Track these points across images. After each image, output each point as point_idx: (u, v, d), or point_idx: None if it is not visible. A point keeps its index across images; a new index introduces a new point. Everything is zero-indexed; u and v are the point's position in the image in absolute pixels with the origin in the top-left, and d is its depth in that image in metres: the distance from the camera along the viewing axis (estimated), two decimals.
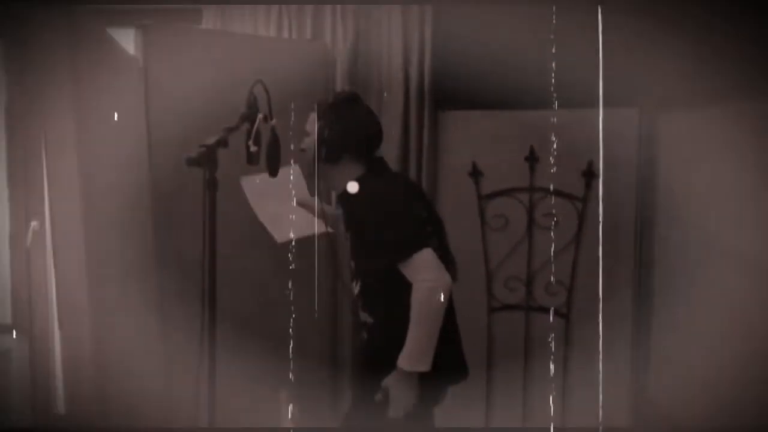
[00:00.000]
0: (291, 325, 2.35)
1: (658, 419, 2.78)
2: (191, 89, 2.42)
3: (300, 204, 2.15)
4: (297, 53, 2.74)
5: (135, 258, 2.39)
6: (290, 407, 2.66)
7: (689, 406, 2.63)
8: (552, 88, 2.44)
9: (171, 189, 2.41)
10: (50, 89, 2.18)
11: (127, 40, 2.46)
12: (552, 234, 2.85)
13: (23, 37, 2.19)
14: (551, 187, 2.82)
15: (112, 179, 2.22)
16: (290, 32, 2.86)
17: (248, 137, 1.68)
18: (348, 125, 1.88)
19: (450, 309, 1.87)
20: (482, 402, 2.92)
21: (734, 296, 2.58)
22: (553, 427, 2.74)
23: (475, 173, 2.91)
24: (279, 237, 2.13)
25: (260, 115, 1.69)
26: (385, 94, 2.81)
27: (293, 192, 2.14)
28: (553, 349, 2.85)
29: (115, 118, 2.18)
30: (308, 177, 2.07)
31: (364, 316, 1.94)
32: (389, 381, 1.79)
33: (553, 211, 2.84)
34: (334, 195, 2.08)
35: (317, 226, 2.15)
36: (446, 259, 1.84)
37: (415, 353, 1.76)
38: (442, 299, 1.76)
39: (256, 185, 2.09)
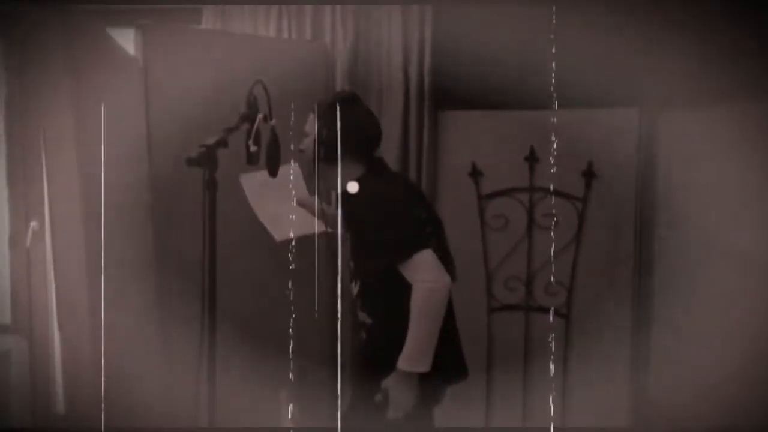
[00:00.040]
0: (291, 325, 2.34)
1: (658, 419, 2.78)
2: (191, 89, 2.42)
3: (300, 204, 2.15)
4: (297, 53, 2.74)
5: (135, 258, 2.39)
6: (290, 407, 2.66)
7: (689, 406, 2.63)
8: (552, 88, 2.44)
9: (171, 189, 2.41)
10: (49, 89, 2.18)
11: (127, 40, 2.46)
12: (552, 234, 2.85)
13: (22, 37, 2.19)
14: (551, 188, 2.82)
15: (112, 179, 2.21)
16: (290, 32, 2.86)
17: (248, 137, 1.68)
18: (347, 125, 1.88)
19: (449, 309, 1.87)
20: (482, 402, 2.92)
21: (734, 296, 2.58)
22: (553, 427, 2.74)
23: (475, 173, 2.91)
24: (278, 236, 2.13)
25: (260, 115, 1.69)
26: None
27: (293, 192, 2.14)
28: (553, 349, 2.85)
29: (115, 119, 2.18)
30: (308, 177, 2.07)
31: (363, 316, 1.94)
32: (389, 382, 1.79)
33: (553, 211, 2.84)
34: (333, 195, 2.08)
35: (317, 226, 2.14)
36: (445, 259, 1.84)
37: (414, 354, 1.76)
38: (441, 300, 1.77)
39: (255, 183, 2.09)
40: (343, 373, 2.74)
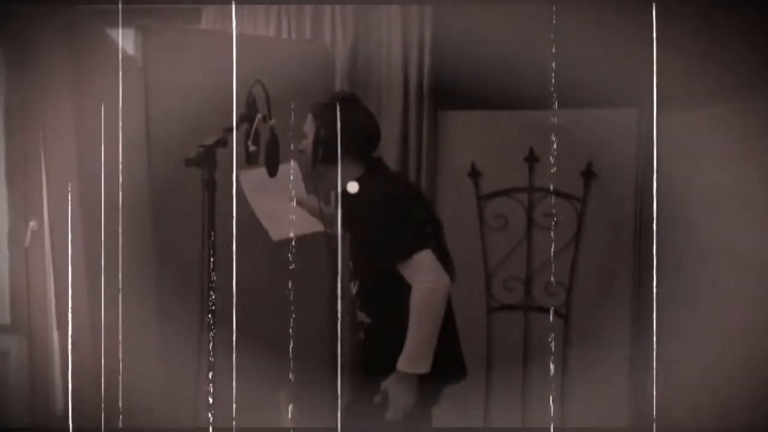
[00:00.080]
0: (291, 325, 2.34)
1: (658, 419, 2.78)
2: (190, 89, 2.42)
3: (299, 203, 2.15)
4: (296, 53, 2.74)
5: (134, 258, 2.39)
6: (290, 407, 2.66)
7: (689, 406, 2.63)
8: (552, 88, 2.44)
9: (171, 189, 2.41)
10: (49, 89, 2.18)
11: (127, 40, 2.46)
12: (551, 234, 2.85)
13: (22, 37, 2.19)
14: (551, 188, 2.82)
15: (112, 179, 2.21)
16: (289, 32, 2.86)
17: (247, 137, 1.68)
18: (346, 126, 1.88)
19: (448, 310, 1.87)
20: (481, 402, 2.92)
21: (734, 296, 2.58)
22: (553, 427, 2.74)
23: (475, 173, 2.91)
24: (275, 235, 2.13)
25: (259, 115, 1.70)
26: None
27: (293, 191, 2.14)
28: (552, 349, 2.85)
29: (115, 119, 2.18)
30: (307, 177, 2.07)
31: (362, 316, 1.94)
32: (388, 383, 1.79)
33: (553, 211, 2.84)
34: (333, 195, 2.08)
35: (315, 226, 2.14)
36: (444, 260, 1.84)
37: (414, 354, 1.76)
38: (441, 300, 1.77)
39: (254, 181, 2.09)
40: (343, 373, 2.74)
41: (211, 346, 1.55)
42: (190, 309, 1.81)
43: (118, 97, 2.15)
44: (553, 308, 2.87)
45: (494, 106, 2.84)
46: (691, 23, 2.67)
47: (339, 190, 1.91)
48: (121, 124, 2.18)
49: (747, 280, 2.55)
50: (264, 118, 1.71)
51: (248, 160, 1.69)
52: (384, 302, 1.87)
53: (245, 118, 1.68)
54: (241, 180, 2.10)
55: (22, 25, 2.19)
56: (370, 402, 1.83)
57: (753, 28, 2.63)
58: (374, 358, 1.89)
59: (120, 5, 2.30)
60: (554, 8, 2.47)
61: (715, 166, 2.62)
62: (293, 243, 2.15)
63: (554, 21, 2.45)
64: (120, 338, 2.17)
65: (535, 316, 2.90)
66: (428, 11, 2.81)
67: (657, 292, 2.75)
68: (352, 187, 1.87)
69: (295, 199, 2.15)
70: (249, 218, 2.11)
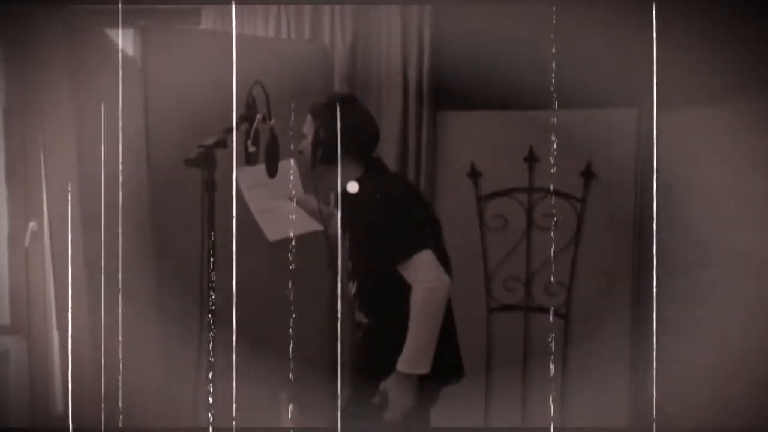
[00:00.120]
0: (291, 325, 2.34)
1: (658, 419, 2.78)
2: (190, 90, 2.42)
3: (298, 203, 2.15)
4: (296, 53, 2.74)
5: (134, 258, 2.39)
6: (290, 407, 2.66)
7: (689, 406, 2.63)
8: (552, 88, 2.44)
9: (170, 189, 2.41)
10: (49, 90, 2.18)
11: (126, 40, 2.46)
12: (551, 234, 2.85)
13: (22, 37, 2.19)
14: (551, 188, 2.82)
15: (111, 180, 2.21)
16: (289, 33, 2.86)
17: (247, 138, 1.68)
18: (345, 126, 1.88)
19: (447, 310, 1.87)
20: (481, 402, 2.92)
21: (734, 296, 2.58)
22: (553, 427, 2.74)
23: (474, 174, 2.91)
24: (271, 235, 2.13)
25: (259, 116, 1.70)
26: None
27: (293, 191, 2.14)
28: (552, 349, 2.85)
29: (115, 119, 2.18)
30: (305, 177, 2.07)
31: (360, 317, 1.94)
32: (388, 384, 1.79)
33: (553, 212, 2.84)
34: (332, 196, 2.08)
35: (313, 226, 2.14)
36: (443, 260, 1.84)
37: (414, 355, 1.76)
38: (441, 300, 1.77)
39: (252, 180, 2.09)
40: (342, 373, 2.74)
41: (211, 346, 1.55)
42: (190, 309, 1.80)
43: (118, 97, 2.15)
44: (553, 308, 2.87)
45: (494, 106, 2.85)
46: (691, 23, 2.67)
47: (339, 190, 1.92)
48: (121, 124, 2.18)
49: (747, 280, 2.55)
50: (264, 119, 1.71)
51: (248, 160, 1.69)
52: (383, 303, 1.87)
53: (245, 118, 1.68)
54: (238, 178, 2.09)
55: (22, 25, 2.18)
56: (369, 402, 1.83)
57: (753, 28, 2.62)
58: (373, 358, 1.89)
59: (120, 5, 2.30)
60: (554, 8, 2.47)
61: (715, 166, 2.62)
62: (292, 243, 2.15)
63: (554, 21, 2.45)
64: (120, 338, 2.17)
65: (535, 316, 2.90)
66: (428, 11, 2.81)
67: (657, 292, 2.75)
68: (352, 187, 1.88)
69: (295, 199, 2.15)
70: (249, 218, 2.11)
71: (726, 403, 2.53)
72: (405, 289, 1.77)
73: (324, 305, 2.79)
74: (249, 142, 1.68)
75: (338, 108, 1.88)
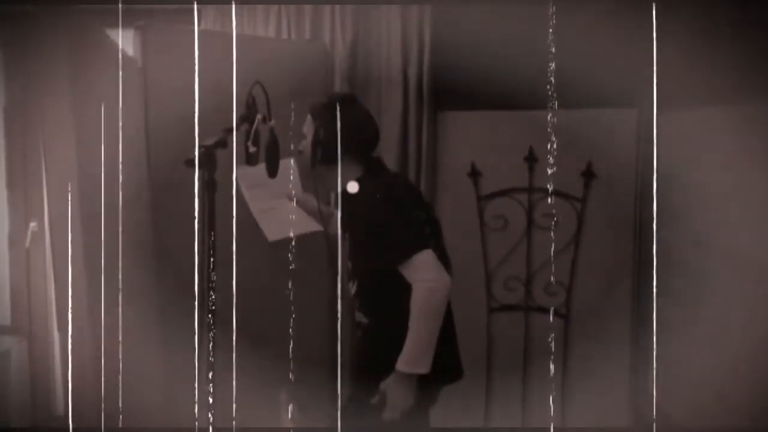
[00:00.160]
0: (291, 325, 2.34)
1: (658, 419, 2.79)
2: (190, 90, 2.42)
3: (299, 203, 2.15)
4: (296, 53, 2.74)
5: (134, 258, 2.39)
6: (290, 407, 2.66)
7: (689, 406, 2.63)
8: (552, 88, 2.44)
9: (171, 189, 2.41)
10: (49, 90, 2.18)
11: (126, 40, 2.46)
12: (552, 234, 2.85)
13: (22, 37, 2.19)
14: (550, 188, 2.82)
15: (112, 180, 2.22)
16: (289, 32, 2.86)
17: (247, 138, 1.68)
18: (345, 126, 1.88)
19: (447, 310, 1.87)
20: (482, 402, 2.92)
21: (734, 296, 2.58)
22: (553, 427, 2.74)
23: (474, 173, 2.91)
24: (270, 235, 2.13)
25: (259, 116, 1.69)
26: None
27: (293, 191, 2.14)
28: (552, 349, 2.85)
29: (115, 119, 2.18)
30: (304, 177, 2.07)
31: (360, 317, 1.94)
32: (387, 384, 1.79)
33: (553, 212, 2.84)
34: (332, 196, 2.08)
35: (313, 225, 2.14)
36: (443, 260, 1.84)
37: (414, 354, 1.76)
38: (442, 299, 1.77)
39: (251, 179, 2.09)
40: (342, 373, 2.74)
41: (211, 346, 1.55)
42: (190, 309, 1.80)
43: (118, 97, 2.15)
44: (553, 308, 2.87)
45: (494, 106, 2.85)
46: (691, 23, 2.67)
47: (339, 190, 1.92)
48: (121, 124, 2.19)
49: (747, 280, 2.55)
50: (264, 119, 1.71)
51: (248, 160, 1.69)
52: (382, 303, 1.87)
53: (245, 118, 1.68)
54: (238, 178, 2.09)
55: (22, 25, 2.19)
56: (368, 402, 1.83)
57: (753, 28, 2.62)
58: (373, 358, 1.89)
59: (120, 5, 2.30)
60: (554, 8, 2.47)
61: (715, 166, 2.62)
62: (292, 243, 2.15)
63: (554, 21, 2.45)
64: (120, 338, 2.17)
65: (535, 316, 2.90)
66: (428, 11, 2.81)
67: (657, 292, 2.76)
68: (352, 187, 1.88)
69: (294, 199, 2.15)
70: (249, 218, 2.11)
71: (726, 403, 2.53)
72: (405, 289, 1.77)
73: (324, 305, 2.79)
74: (249, 143, 1.68)
75: (338, 108, 1.88)
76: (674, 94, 2.66)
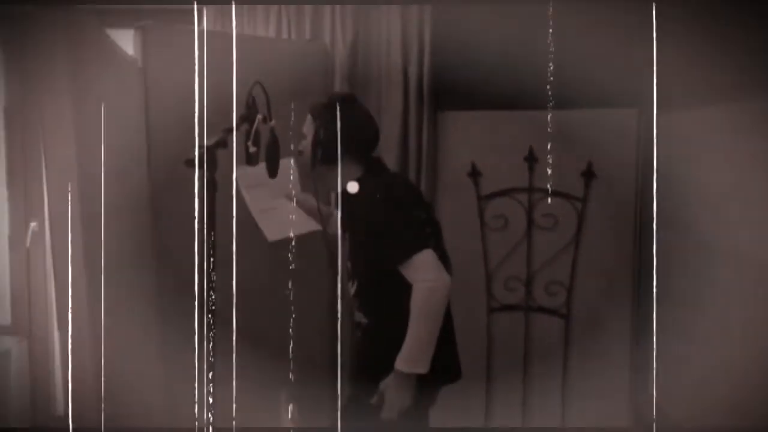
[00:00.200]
0: (291, 325, 2.34)
1: (658, 419, 2.79)
2: (190, 90, 2.42)
3: (298, 203, 2.15)
4: (296, 54, 2.74)
5: (134, 258, 2.39)
6: (290, 407, 2.66)
7: (689, 407, 2.63)
8: (551, 88, 2.44)
9: (171, 189, 2.41)
10: (49, 89, 2.18)
11: (126, 40, 2.46)
12: (552, 234, 2.85)
13: (22, 37, 2.19)
14: (550, 188, 2.82)
15: (112, 180, 2.22)
16: (289, 32, 2.86)
17: (247, 138, 1.68)
18: (345, 126, 1.88)
19: (446, 310, 1.87)
20: (482, 402, 2.92)
21: (734, 296, 2.58)
22: (553, 428, 2.74)
23: (474, 173, 2.91)
24: (270, 235, 2.13)
25: (259, 116, 1.69)
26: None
27: (293, 191, 2.14)
28: (552, 349, 2.85)
29: (114, 120, 2.18)
30: (304, 177, 2.07)
31: (359, 317, 1.94)
32: (386, 383, 1.79)
33: (553, 212, 2.84)
34: (332, 196, 2.08)
35: (313, 225, 2.14)
36: (443, 260, 1.84)
37: (414, 354, 1.76)
38: (442, 299, 1.77)
39: (251, 179, 2.09)
40: (342, 373, 2.74)
41: (211, 346, 1.55)
42: (190, 309, 1.80)
43: (118, 97, 2.15)
44: (553, 308, 2.87)
45: (494, 106, 2.85)
46: (691, 23, 2.67)
47: (339, 190, 1.92)
48: (121, 124, 2.19)
49: (747, 280, 2.55)
50: (264, 119, 1.71)
51: (248, 160, 1.69)
52: (382, 303, 1.87)
53: (245, 118, 1.68)
54: (238, 178, 2.09)
55: (22, 25, 2.18)
56: (367, 402, 1.83)
57: (753, 28, 2.62)
58: (372, 358, 1.89)
59: (120, 5, 2.30)
60: (553, 8, 2.47)
61: (715, 166, 2.62)
62: (292, 243, 2.15)
63: (553, 21, 2.45)
64: (120, 338, 2.17)
65: (535, 316, 2.90)
66: (428, 11, 2.81)
67: (657, 292, 2.75)
68: (352, 187, 1.88)
69: (294, 199, 2.15)
70: (249, 218, 2.11)
71: (726, 403, 2.53)
72: (405, 289, 1.77)
73: (324, 305, 2.79)
74: (249, 143, 1.68)
75: (338, 108, 1.89)
76: (674, 94, 2.66)
